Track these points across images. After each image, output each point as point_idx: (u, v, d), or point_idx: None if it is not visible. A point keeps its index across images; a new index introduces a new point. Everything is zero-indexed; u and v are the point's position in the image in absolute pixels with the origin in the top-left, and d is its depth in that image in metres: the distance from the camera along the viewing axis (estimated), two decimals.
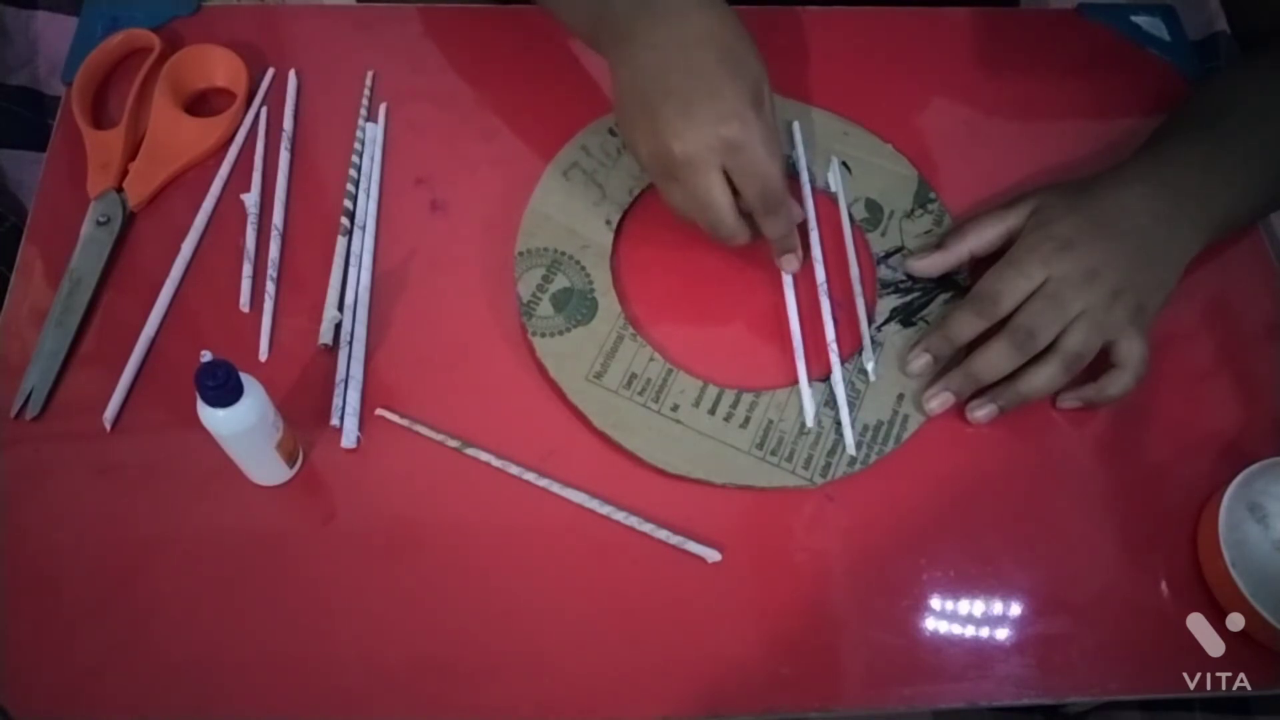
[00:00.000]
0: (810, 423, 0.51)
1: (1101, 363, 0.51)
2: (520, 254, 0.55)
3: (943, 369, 0.52)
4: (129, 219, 0.55)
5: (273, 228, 0.55)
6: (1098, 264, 0.49)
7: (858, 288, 0.56)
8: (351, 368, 0.51)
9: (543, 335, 0.52)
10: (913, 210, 0.59)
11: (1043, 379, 0.50)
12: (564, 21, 0.56)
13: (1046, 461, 0.52)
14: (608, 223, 0.56)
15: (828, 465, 0.50)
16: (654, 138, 0.48)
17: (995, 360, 0.50)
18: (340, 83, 0.61)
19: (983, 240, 0.53)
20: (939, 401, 0.51)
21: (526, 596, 0.47)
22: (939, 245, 0.55)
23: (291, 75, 0.61)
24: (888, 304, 0.55)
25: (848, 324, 0.55)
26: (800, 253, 0.54)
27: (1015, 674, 0.47)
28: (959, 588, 0.49)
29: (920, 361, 0.52)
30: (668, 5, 0.49)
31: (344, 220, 0.55)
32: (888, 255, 0.57)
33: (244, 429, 0.43)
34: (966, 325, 0.51)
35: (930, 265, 0.55)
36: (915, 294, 0.56)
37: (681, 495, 0.50)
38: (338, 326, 0.52)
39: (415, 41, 0.63)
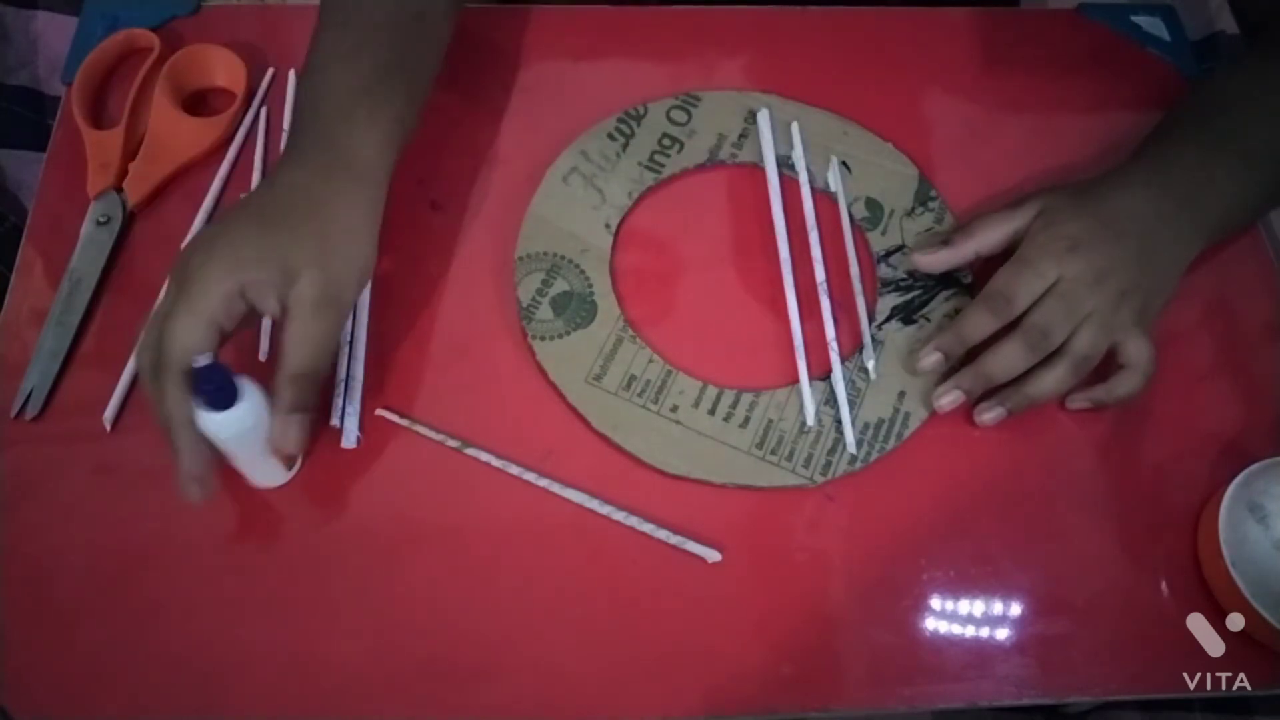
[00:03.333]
0: (810, 421, 0.51)
1: (1107, 364, 0.51)
2: (520, 258, 0.55)
3: (951, 366, 0.52)
4: (129, 219, 0.55)
5: None
6: (1106, 265, 0.49)
7: (858, 286, 0.56)
8: (351, 368, 0.51)
9: (542, 338, 0.52)
10: (913, 209, 0.58)
11: (1051, 381, 0.50)
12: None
13: (1047, 461, 0.52)
14: (607, 226, 0.56)
15: (828, 464, 0.50)
16: None
17: (1008, 359, 0.50)
18: None
19: (989, 240, 0.53)
20: (949, 399, 0.51)
21: (526, 596, 0.47)
22: (945, 242, 0.54)
23: (291, 75, 0.61)
24: (888, 302, 0.55)
25: (848, 323, 0.55)
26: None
27: (1015, 674, 0.47)
28: (959, 588, 0.49)
29: (931, 359, 0.52)
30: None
31: None
32: (888, 254, 0.57)
33: (241, 432, 0.43)
34: (980, 324, 0.51)
35: (936, 261, 0.54)
36: (916, 292, 0.56)
37: (681, 495, 0.50)
38: None
39: None
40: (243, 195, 0.48)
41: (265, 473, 0.47)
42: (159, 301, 0.45)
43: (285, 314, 0.44)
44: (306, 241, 0.44)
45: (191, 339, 0.41)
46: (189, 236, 0.54)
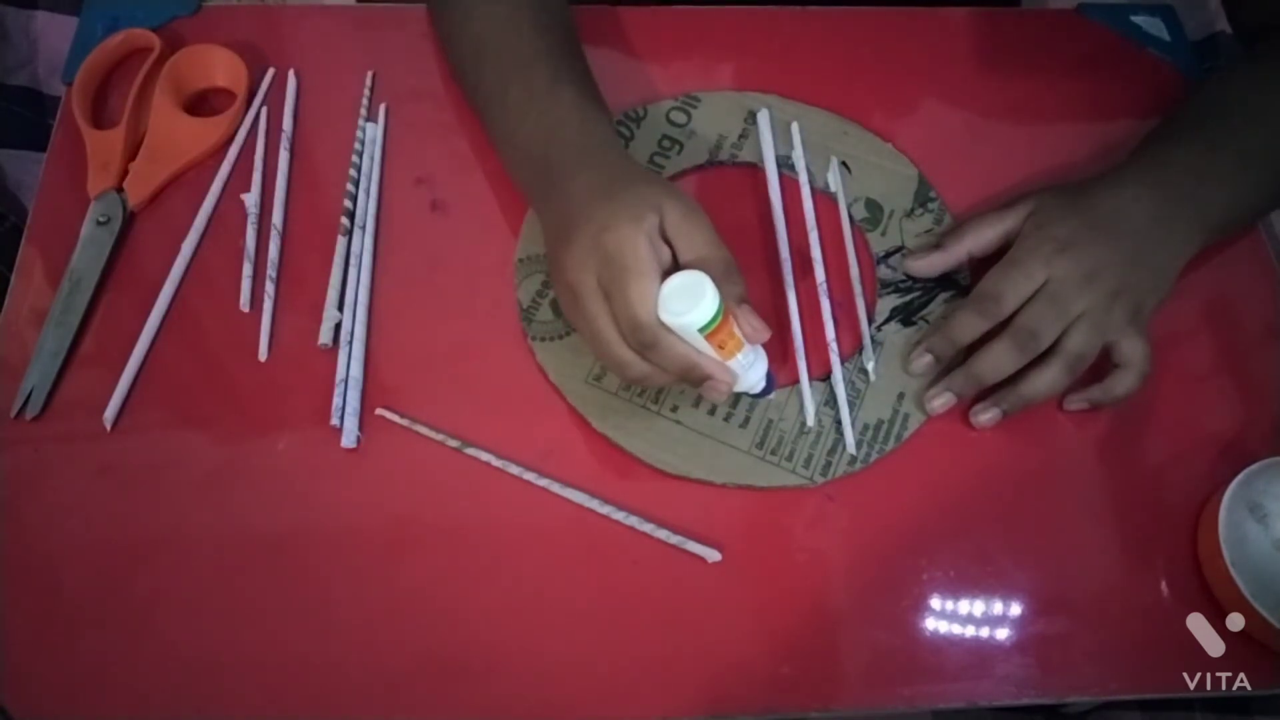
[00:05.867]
0: (810, 422, 0.51)
1: (1103, 364, 0.51)
2: (520, 260, 0.55)
3: (945, 368, 0.52)
4: (129, 219, 0.55)
5: (273, 228, 0.55)
6: (1096, 265, 0.50)
7: (858, 287, 0.56)
8: (351, 368, 0.51)
9: (543, 339, 0.52)
10: (913, 209, 0.59)
11: (1045, 381, 0.50)
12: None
13: (1047, 461, 0.52)
14: None
15: (828, 464, 0.50)
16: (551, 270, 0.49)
17: (997, 361, 0.50)
18: (340, 83, 0.61)
19: (981, 241, 0.54)
20: (941, 401, 0.51)
21: (526, 596, 0.47)
22: (937, 245, 0.55)
23: (291, 75, 0.61)
24: (888, 303, 0.55)
25: (848, 323, 0.55)
26: (720, 385, 0.46)
27: (1015, 674, 0.47)
28: (959, 588, 0.49)
29: (922, 361, 0.52)
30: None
31: (344, 220, 0.55)
32: (888, 255, 0.57)
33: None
34: (969, 326, 0.51)
35: (928, 265, 0.55)
36: (915, 293, 0.56)
37: (681, 495, 0.50)
38: (338, 326, 0.52)
39: (415, 41, 0.63)
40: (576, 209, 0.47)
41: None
42: (593, 326, 0.45)
43: (680, 243, 0.46)
44: (650, 185, 0.47)
45: (650, 298, 0.43)
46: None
